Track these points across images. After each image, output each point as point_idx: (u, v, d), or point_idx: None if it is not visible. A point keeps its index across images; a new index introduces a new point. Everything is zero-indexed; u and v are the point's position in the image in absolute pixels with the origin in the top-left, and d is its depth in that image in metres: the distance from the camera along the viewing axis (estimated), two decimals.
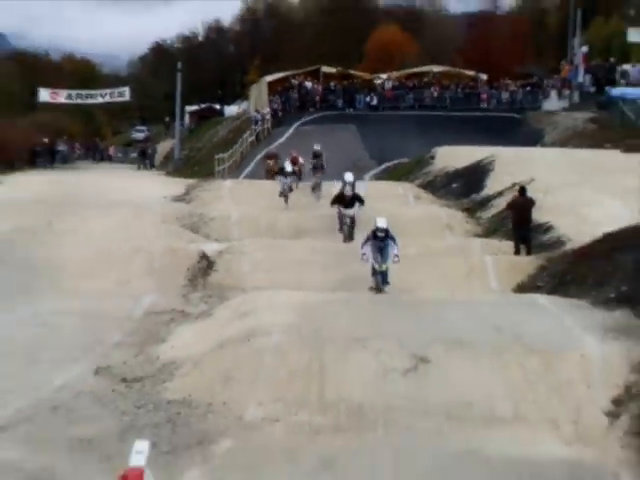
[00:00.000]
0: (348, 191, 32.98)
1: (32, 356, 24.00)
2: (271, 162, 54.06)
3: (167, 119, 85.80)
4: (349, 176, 37.78)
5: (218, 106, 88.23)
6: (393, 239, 26.36)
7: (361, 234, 31.45)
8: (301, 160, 50.37)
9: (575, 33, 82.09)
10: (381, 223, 25.83)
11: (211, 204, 46.86)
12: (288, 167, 44.44)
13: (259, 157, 67.56)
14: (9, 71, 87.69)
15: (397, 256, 26.06)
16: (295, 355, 22.12)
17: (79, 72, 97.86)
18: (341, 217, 33.59)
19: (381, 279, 26.84)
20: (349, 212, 32.69)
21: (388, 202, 35.82)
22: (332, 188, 42.42)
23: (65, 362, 23.56)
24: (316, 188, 47.85)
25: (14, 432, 19.27)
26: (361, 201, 32.04)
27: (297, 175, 44.75)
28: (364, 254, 26.40)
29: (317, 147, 52.49)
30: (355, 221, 32.49)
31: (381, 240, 25.63)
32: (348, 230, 33.39)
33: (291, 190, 44.25)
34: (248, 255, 34.05)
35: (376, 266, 26.76)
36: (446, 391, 19.03)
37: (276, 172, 43.12)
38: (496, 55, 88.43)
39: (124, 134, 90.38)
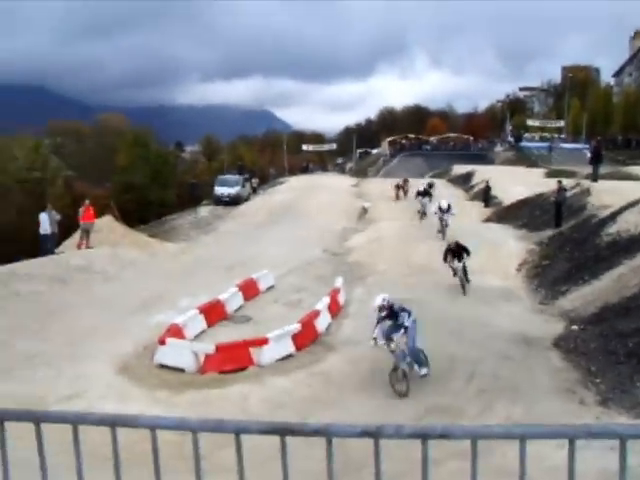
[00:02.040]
0: (453, 245, 17.40)
1: (299, 245, 24.16)
2: (399, 191, 38.03)
3: (350, 155, 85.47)
4: (444, 203, 22.84)
5: (369, 149, 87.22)
6: (404, 310, 11.47)
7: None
8: (409, 183, 37.97)
9: (507, 121, 79.77)
10: (377, 302, 11.44)
11: (365, 187, 46.55)
12: (421, 188, 29.47)
13: (384, 170, 67.24)
14: (292, 139, 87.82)
15: (405, 327, 11.10)
16: (397, 245, 22.24)
17: (317, 139, 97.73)
18: (454, 270, 17.58)
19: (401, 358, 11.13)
20: (459, 265, 17.42)
21: (436, 185, 35.26)
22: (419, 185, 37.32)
23: (311, 247, 23.70)
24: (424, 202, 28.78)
25: (293, 273, 19.71)
26: (468, 252, 17.40)
27: (429, 196, 28.19)
28: (374, 338, 11.16)
29: (430, 180, 39.58)
30: (467, 271, 17.58)
31: (388, 317, 11.36)
32: (461, 279, 17.57)
33: (425, 213, 27.38)
34: (379, 207, 33.99)
35: (390, 345, 11.12)
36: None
37: (417, 193, 28.40)
38: (476, 129, 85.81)
39: (333, 161, 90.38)
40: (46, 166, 34.36)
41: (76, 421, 2.17)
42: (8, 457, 2.26)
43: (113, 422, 2.15)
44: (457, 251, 17.42)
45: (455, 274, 17.51)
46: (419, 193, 28.23)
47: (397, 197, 37.56)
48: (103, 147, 43.93)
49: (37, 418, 2.13)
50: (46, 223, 20.97)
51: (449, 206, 22.75)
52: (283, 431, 1.97)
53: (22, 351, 12.10)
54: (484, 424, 2.30)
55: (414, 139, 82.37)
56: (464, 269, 17.30)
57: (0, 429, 2.17)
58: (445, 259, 17.60)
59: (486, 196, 34.13)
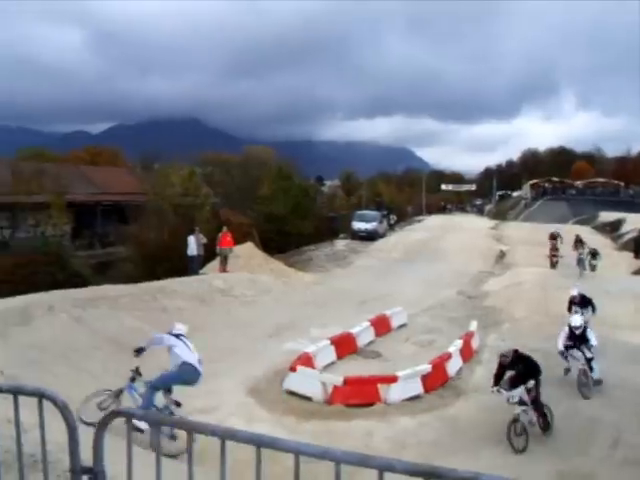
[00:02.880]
0: (506, 357, 10.13)
1: (433, 284, 23.93)
2: (554, 241, 29.22)
3: (489, 196, 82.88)
4: (577, 320, 12.71)
5: (509, 192, 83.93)
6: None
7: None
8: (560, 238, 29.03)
9: None
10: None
11: (504, 230, 44.92)
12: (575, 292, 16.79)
13: (525, 213, 64.43)
14: (431, 178, 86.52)
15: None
16: (535, 293, 21.25)
17: (456, 179, 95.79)
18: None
19: None
20: (514, 395, 9.78)
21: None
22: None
23: (446, 288, 23.41)
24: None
25: (426, 312, 19.55)
26: (535, 373, 9.97)
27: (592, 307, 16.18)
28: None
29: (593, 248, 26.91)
30: (548, 412, 10.12)
31: None
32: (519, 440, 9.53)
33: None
34: (516, 252, 32.63)
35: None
36: (604, 313, 16.99)
37: (571, 302, 16.58)
38: (628, 174, 79.52)
39: (471, 202, 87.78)
40: (197, 193, 36.65)
41: (225, 436, 2.23)
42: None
43: (259, 442, 2.18)
44: (514, 367, 10.24)
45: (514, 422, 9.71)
46: (573, 301, 16.75)
47: (553, 262, 28.66)
48: (248, 177, 46.20)
49: (191, 427, 2.21)
50: (193, 245, 22.44)
51: (585, 331, 12.62)
52: (430, 474, 1.89)
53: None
54: None
55: (558, 183, 78.65)
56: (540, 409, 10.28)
57: (156, 431, 2.28)
58: (497, 381, 10.26)
59: (637, 247, 31.81)
